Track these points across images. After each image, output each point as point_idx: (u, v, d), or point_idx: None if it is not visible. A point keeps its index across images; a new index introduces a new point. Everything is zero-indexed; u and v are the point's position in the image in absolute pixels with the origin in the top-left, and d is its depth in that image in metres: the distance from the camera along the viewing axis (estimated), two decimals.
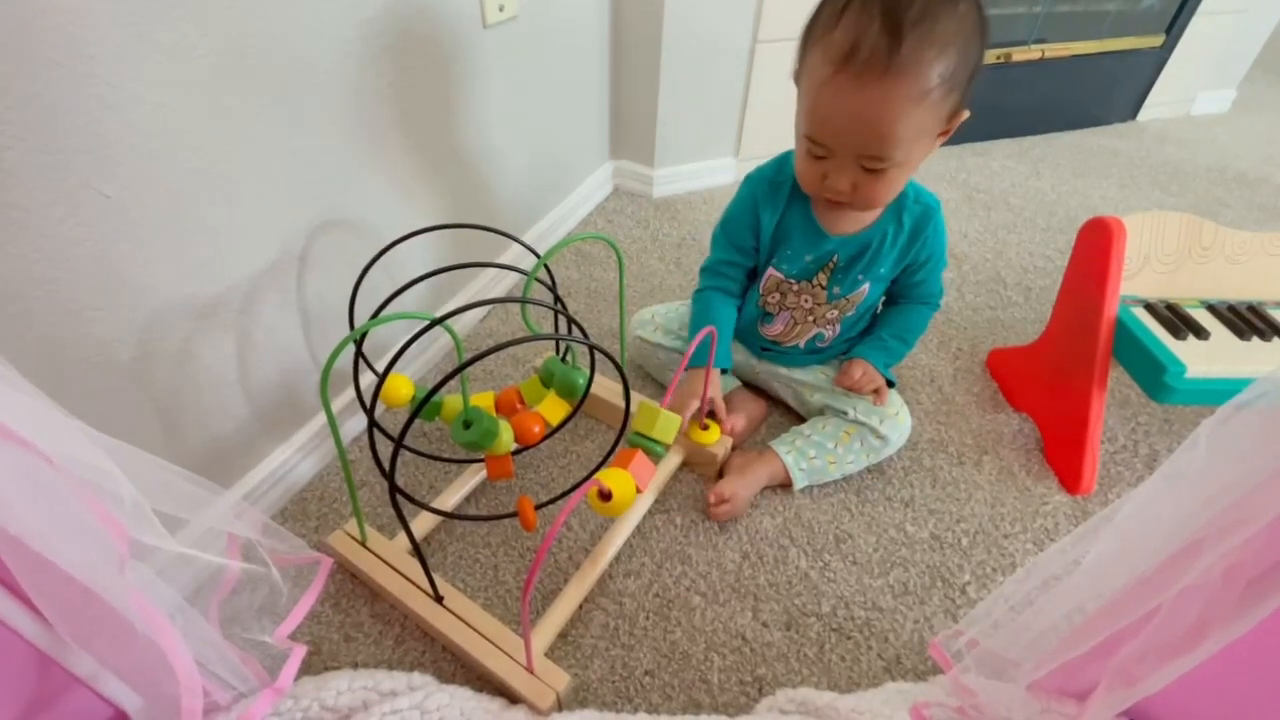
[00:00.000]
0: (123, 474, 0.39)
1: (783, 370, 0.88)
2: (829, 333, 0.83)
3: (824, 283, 0.78)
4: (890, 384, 0.82)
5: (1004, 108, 1.66)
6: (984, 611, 0.58)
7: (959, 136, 1.67)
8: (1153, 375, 0.73)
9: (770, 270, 0.80)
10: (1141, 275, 0.82)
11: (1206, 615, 0.39)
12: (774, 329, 0.85)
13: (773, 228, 0.78)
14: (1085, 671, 0.54)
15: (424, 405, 0.54)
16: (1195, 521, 0.40)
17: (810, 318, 0.82)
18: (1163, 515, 0.43)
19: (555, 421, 0.73)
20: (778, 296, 0.82)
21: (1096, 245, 0.77)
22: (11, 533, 0.37)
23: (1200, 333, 0.76)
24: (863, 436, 0.80)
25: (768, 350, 0.88)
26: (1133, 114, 1.88)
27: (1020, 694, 0.55)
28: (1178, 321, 0.77)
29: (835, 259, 0.77)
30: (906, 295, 0.83)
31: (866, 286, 0.78)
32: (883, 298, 0.84)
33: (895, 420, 0.80)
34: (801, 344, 0.85)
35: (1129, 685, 0.46)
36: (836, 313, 0.80)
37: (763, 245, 0.80)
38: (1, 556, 0.39)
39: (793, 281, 0.80)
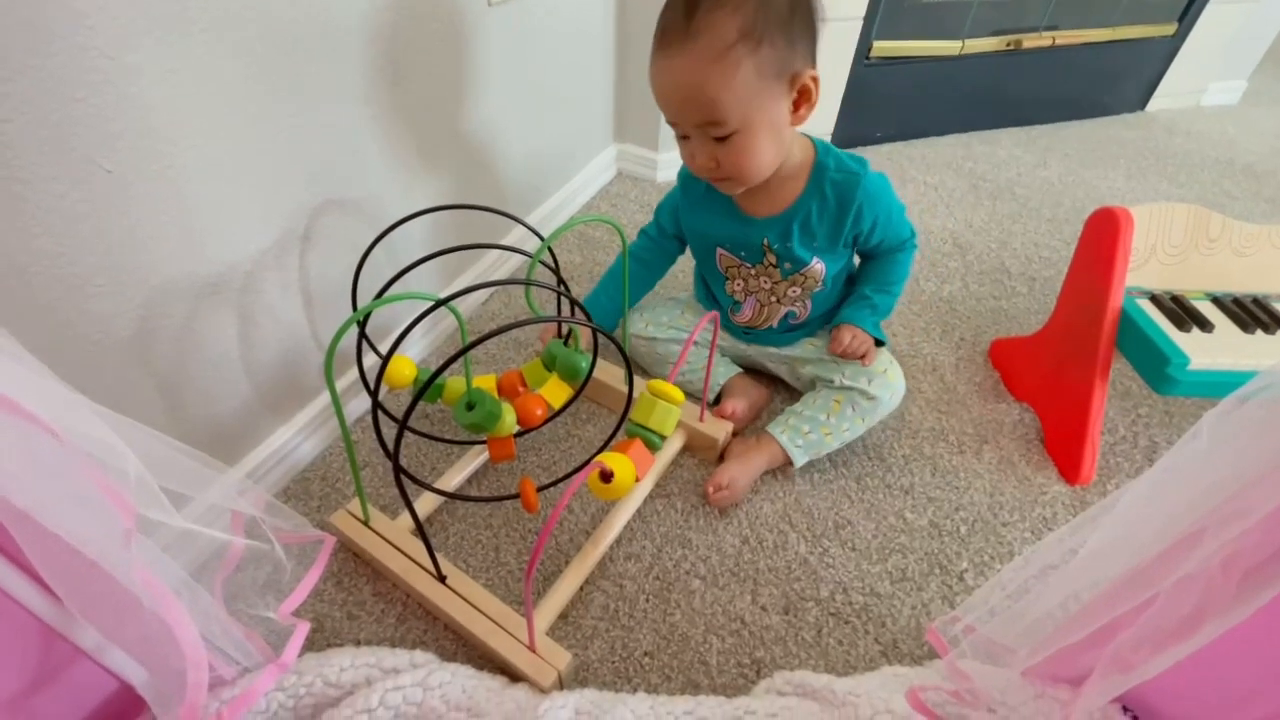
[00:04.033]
0: (128, 449, 0.39)
1: (771, 349, 0.89)
2: (800, 310, 0.83)
3: (773, 261, 0.79)
4: (880, 343, 0.81)
5: (1012, 95, 1.64)
6: (981, 598, 0.59)
7: (965, 124, 1.67)
8: (1156, 367, 0.73)
9: (719, 250, 0.82)
10: (1147, 266, 0.81)
11: (1204, 603, 0.39)
12: (744, 315, 0.86)
13: (695, 217, 0.82)
14: (1080, 658, 0.54)
15: (427, 387, 0.54)
16: (1195, 511, 0.40)
17: (773, 298, 0.82)
18: (1163, 505, 0.44)
19: (557, 404, 0.73)
20: (741, 283, 0.83)
21: (1103, 235, 0.77)
22: (18, 506, 0.37)
23: (1204, 325, 0.76)
24: (853, 401, 0.80)
25: (749, 334, 0.88)
26: (1142, 104, 1.86)
27: (1015, 679, 0.56)
28: (1182, 313, 0.77)
29: (766, 241, 0.77)
30: (875, 252, 0.82)
31: (817, 261, 0.78)
32: (854, 261, 0.84)
33: (884, 378, 0.80)
34: (775, 324, 0.85)
35: (1124, 671, 0.47)
36: (798, 290, 0.80)
37: (691, 231, 0.84)
38: (9, 529, 0.39)
39: (748, 265, 0.81)
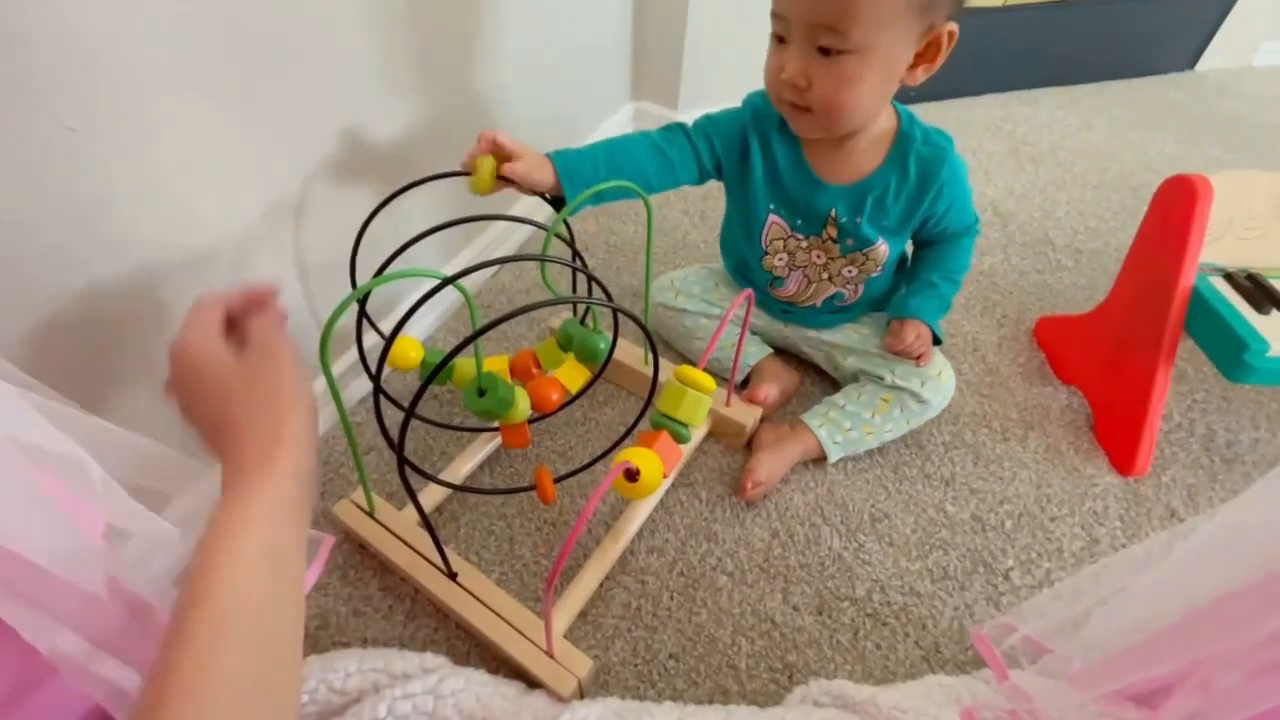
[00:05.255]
0: (86, 452, 0.34)
1: (811, 332, 0.82)
2: (850, 293, 0.76)
3: (834, 235, 0.71)
4: (937, 341, 0.75)
5: (1055, 52, 1.53)
6: (1035, 609, 0.54)
7: (1004, 83, 1.57)
8: (1230, 352, 0.67)
9: (772, 217, 0.72)
10: (1222, 241, 0.74)
11: None
12: (787, 290, 0.78)
13: (760, 162, 0.70)
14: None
15: (434, 377, 0.49)
16: None
17: (825, 275, 0.74)
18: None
19: (574, 389, 0.68)
20: (785, 257, 0.75)
21: (1177, 206, 0.69)
22: None
23: None
24: (902, 402, 0.74)
25: (788, 313, 0.82)
26: (1191, 63, 1.74)
27: (1077, 698, 0.51)
28: (1260, 294, 0.70)
29: (834, 212, 0.69)
30: (934, 237, 0.75)
31: (883, 242, 0.70)
32: (909, 248, 0.77)
33: (938, 381, 0.74)
34: (819, 303, 0.78)
35: (1211, 698, 0.42)
36: (855, 270, 0.73)
37: (755, 181, 0.71)
38: None
39: (800, 237, 0.72)
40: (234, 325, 0.42)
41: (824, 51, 0.56)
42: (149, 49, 0.48)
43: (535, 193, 0.65)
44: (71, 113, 0.45)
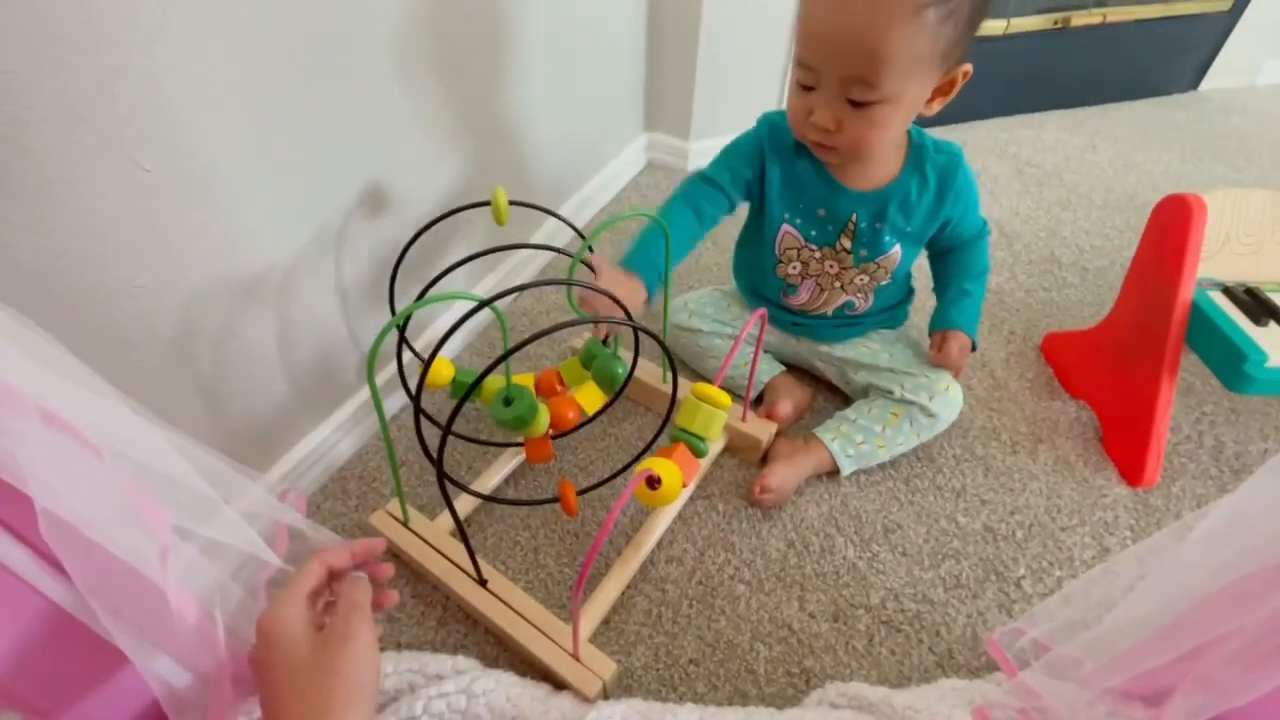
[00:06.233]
0: (180, 457, 0.38)
1: (822, 348, 0.85)
2: (860, 301, 0.79)
3: (848, 246, 0.74)
4: (973, 347, 0.78)
5: (1059, 76, 1.58)
6: (1045, 612, 0.56)
7: (1008, 107, 1.61)
8: (1231, 364, 0.69)
9: (785, 227, 0.75)
10: (1220, 256, 0.77)
11: None
12: (799, 298, 0.81)
13: (779, 174, 0.73)
14: (1156, 674, 0.51)
15: (470, 393, 0.53)
16: None
17: (837, 284, 0.78)
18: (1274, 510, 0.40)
19: (591, 410, 0.71)
20: (799, 266, 0.78)
21: (1174, 224, 0.72)
22: (58, 515, 0.36)
23: None
24: (911, 416, 0.77)
25: (799, 325, 0.85)
26: (1194, 84, 1.77)
27: (1086, 697, 0.53)
28: (1257, 307, 0.73)
29: (854, 218, 0.72)
30: (952, 243, 0.78)
31: (898, 249, 0.74)
32: (915, 261, 0.80)
33: (946, 396, 0.77)
34: (829, 312, 0.81)
35: (1209, 692, 0.44)
36: (867, 279, 0.76)
37: (772, 194, 0.74)
38: (49, 540, 0.38)
39: (814, 247, 0.76)
40: (337, 577, 0.46)
41: (854, 103, 0.59)
42: (217, 103, 0.53)
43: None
44: (148, 156, 0.50)
